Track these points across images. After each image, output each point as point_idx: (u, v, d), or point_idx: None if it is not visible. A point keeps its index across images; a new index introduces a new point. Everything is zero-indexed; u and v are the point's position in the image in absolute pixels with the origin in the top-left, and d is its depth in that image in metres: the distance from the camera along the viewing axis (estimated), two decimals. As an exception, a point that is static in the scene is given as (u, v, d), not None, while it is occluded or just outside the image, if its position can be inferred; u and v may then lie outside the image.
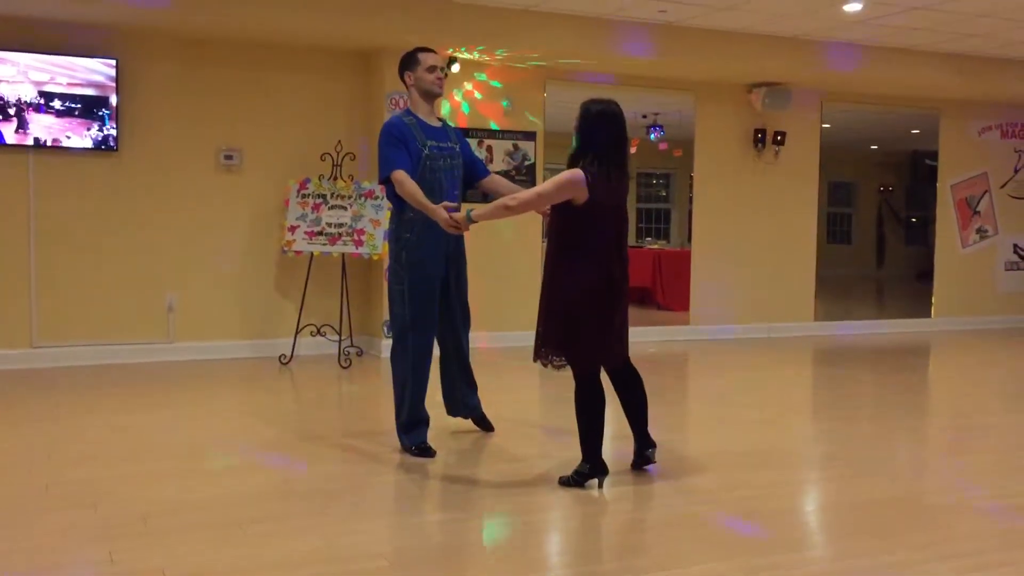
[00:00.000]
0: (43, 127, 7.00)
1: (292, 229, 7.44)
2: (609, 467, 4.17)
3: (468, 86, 8.19)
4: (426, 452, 4.63)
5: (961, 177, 10.58)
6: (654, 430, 4.41)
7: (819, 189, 9.87)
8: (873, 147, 14.09)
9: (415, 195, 4.46)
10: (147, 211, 7.39)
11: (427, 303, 4.65)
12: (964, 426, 5.78)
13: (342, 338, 7.53)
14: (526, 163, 8.40)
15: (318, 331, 7.62)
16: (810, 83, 9.28)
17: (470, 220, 4.26)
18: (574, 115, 4.16)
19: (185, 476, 4.28)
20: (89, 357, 7.23)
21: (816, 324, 9.84)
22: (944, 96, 10.10)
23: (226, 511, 3.78)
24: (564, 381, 4.31)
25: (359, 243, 7.49)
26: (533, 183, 8.01)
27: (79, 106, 7.07)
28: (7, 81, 6.88)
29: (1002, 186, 10.79)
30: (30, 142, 6.98)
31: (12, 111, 6.91)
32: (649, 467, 4.38)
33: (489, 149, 8.25)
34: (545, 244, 4.47)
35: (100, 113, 7.13)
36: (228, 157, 7.59)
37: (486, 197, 4.99)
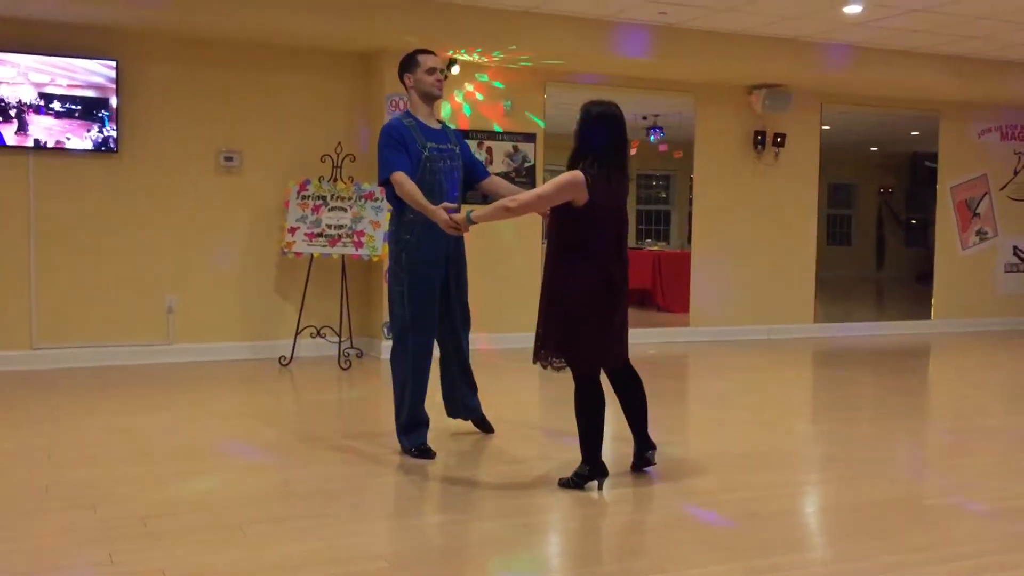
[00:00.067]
0: (43, 129, 7.00)
1: (292, 231, 7.44)
2: (609, 469, 4.17)
3: (469, 87, 8.19)
4: (426, 454, 4.63)
5: (961, 179, 10.58)
6: (654, 432, 4.41)
7: (819, 191, 9.87)
8: (873, 149, 14.10)
9: (415, 196, 4.46)
10: (147, 213, 7.40)
11: (427, 304, 4.66)
12: (964, 428, 5.78)
13: (342, 340, 7.53)
14: (526, 165, 8.40)
15: (318, 333, 7.62)
16: (810, 85, 9.29)
17: (470, 221, 4.26)
18: (574, 117, 4.16)
19: (185, 477, 4.28)
20: (89, 359, 7.23)
21: (816, 326, 9.85)
22: (944, 98, 10.10)
23: (226, 512, 3.78)
24: (564, 383, 4.31)
25: (359, 245, 7.49)
26: (533, 185, 8.01)
27: (79, 108, 7.07)
28: (7, 83, 6.89)
29: (1002, 188, 10.79)
30: (30, 144, 6.99)
31: (12, 113, 6.91)
32: (649, 469, 4.38)
33: (489, 151, 8.25)
34: (545, 246, 4.47)
35: (100, 115, 7.13)
36: (228, 159, 7.59)
37: (486, 198, 5.00)
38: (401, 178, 4.51)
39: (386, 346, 7.05)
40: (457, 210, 4.43)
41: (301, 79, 7.81)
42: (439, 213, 4.36)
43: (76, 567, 3.24)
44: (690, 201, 9.52)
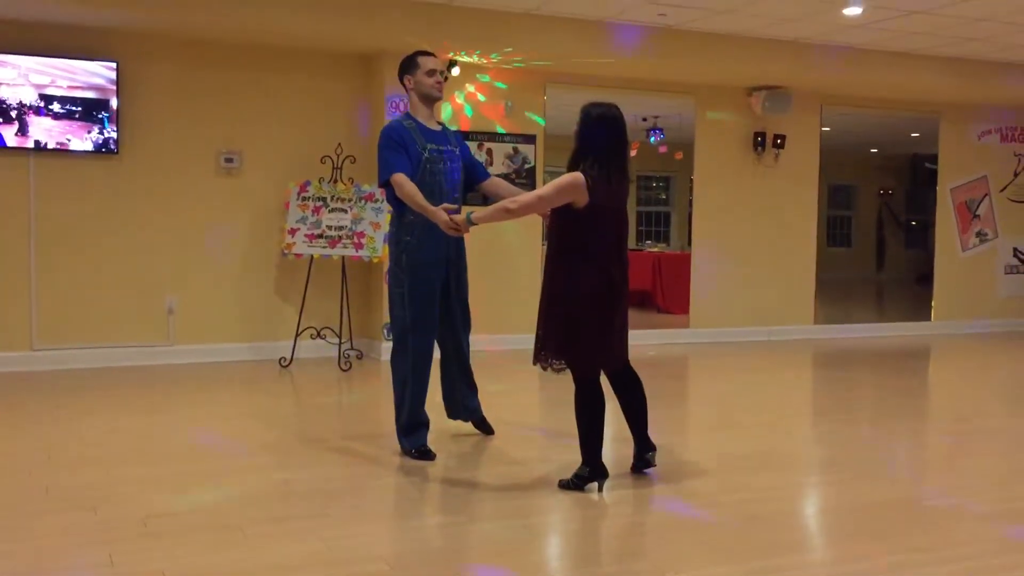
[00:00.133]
0: (44, 130, 7.01)
1: (292, 232, 7.44)
2: (609, 470, 4.17)
3: (470, 87, 8.20)
4: (426, 455, 4.63)
5: (961, 180, 10.58)
6: (654, 433, 4.41)
7: (819, 192, 9.87)
8: (873, 150, 14.11)
9: (415, 197, 4.47)
10: (147, 213, 7.40)
11: (427, 306, 4.66)
12: (964, 429, 5.78)
13: (342, 341, 7.53)
14: (526, 166, 8.40)
15: (318, 334, 7.62)
16: (810, 86, 9.29)
17: (470, 222, 4.26)
18: (574, 118, 4.16)
19: (185, 479, 4.28)
20: (89, 360, 7.23)
21: (816, 327, 9.84)
22: (944, 100, 10.10)
23: (226, 513, 3.79)
24: (564, 384, 4.31)
25: (359, 246, 7.49)
26: (533, 186, 8.01)
27: (79, 109, 7.08)
28: (8, 84, 6.89)
29: (1002, 190, 10.79)
30: (31, 145, 6.99)
31: (13, 114, 6.92)
32: (649, 470, 4.38)
33: (489, 152, 8.25)
34: (545, 247, 4.47)
35: (100, 116, 7.14)
36: (228, 160, 7.60)
37: (486, 200, 5.00)
38: (401, 179, 4.51)
39: (386, 347, 7.05)
40: (457, 211, 4.43)
41: (301, 80, 7.81)
42: (439, 214, 4.36)
43: (76, 568, 3.24)
44: (690, 202, 9.52)
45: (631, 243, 6.04)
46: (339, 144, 7.63)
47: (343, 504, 3.97)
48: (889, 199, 15.05)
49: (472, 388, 5.05)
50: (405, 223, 4.63)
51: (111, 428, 5.32)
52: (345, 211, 7.51)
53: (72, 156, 7.15)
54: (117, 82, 7.15)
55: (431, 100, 4.77)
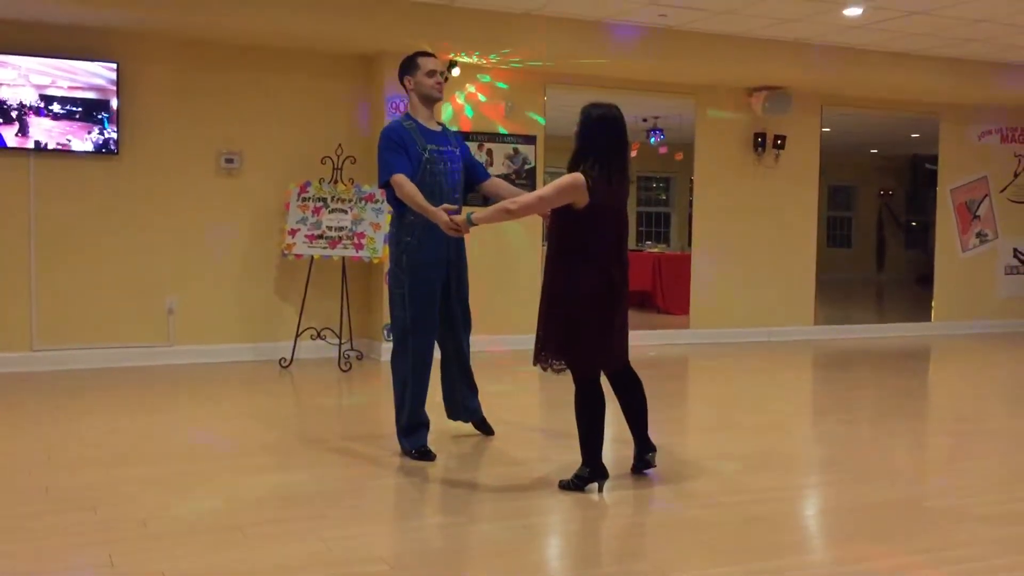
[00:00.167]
0: (44, 130, 7.01)
1: (292, 232, 7.44)
2: (609, 471, 4.17)
3: (471, 88, 8.20)
4: (426, 455, 4.63)
5: (961, 181, 10.58)
6: (654, 434, 4.41)
7: (819, 193, 9.88)
8: (873, 151, 14.11)
9: (415, 198, 4.47)
10: (147, 214, 7.40)
11: (427, 306, 4.66)
12: (964, 430, 5.78)
13: (342, 342, 7.53)
14: (526, 167, 8.40)
15: (318, 334, 7.62)
16: (810, 87, 9.30)
17: (470, 223, 4.26)
18: (575, 119, 4.16)
19: (185, 479, 4.28)
20: (89, 360, 7.23)
21: (816, 328, 9.85)
22: (944, 100, 10.11)
23: (226, 514, 3.79)
24: (564, 384, 4.31)
25: (359, 247, 7.49)
26: (533, 187, 8.02)
27: (80, 109, 7.08)
28: (8, 84, 6.89)
29: (1002, 190, 10.79)
30: (31, 145, 6.99)
31: (13, 114, 6.92)
32: (649, 471, 4.38)
33: (489, 153, 8.25)
34: (545, 248, 4.47)
35: (100, 116, 7.14)
36: (229, 160, 7.60)
37: (486, 200, 5.00)
38: (401, 180, 4.51)
39: (386, 348, 7.05)
40: (458, 212, 4.43)
41: (301, 81, 7.81)
42: (439, 215, 4.36)
43: (76, 568, 3.24)
44: (690, 203, 9.52)
45: (631, 244, 6.05)
46: (339, 145, 7.63)
47: (343, 505, 3.97)
48: (889, 200, 15.05)
49: (472, 389, 5.05)
50: (405, 224, 4.63)
51: (111, 428, 5.32)
52: (345, 212, 7.52)
53: (72, 156, 7.15)
54: (117, 82, 7.15)
55: (431, 101, 4.77)
